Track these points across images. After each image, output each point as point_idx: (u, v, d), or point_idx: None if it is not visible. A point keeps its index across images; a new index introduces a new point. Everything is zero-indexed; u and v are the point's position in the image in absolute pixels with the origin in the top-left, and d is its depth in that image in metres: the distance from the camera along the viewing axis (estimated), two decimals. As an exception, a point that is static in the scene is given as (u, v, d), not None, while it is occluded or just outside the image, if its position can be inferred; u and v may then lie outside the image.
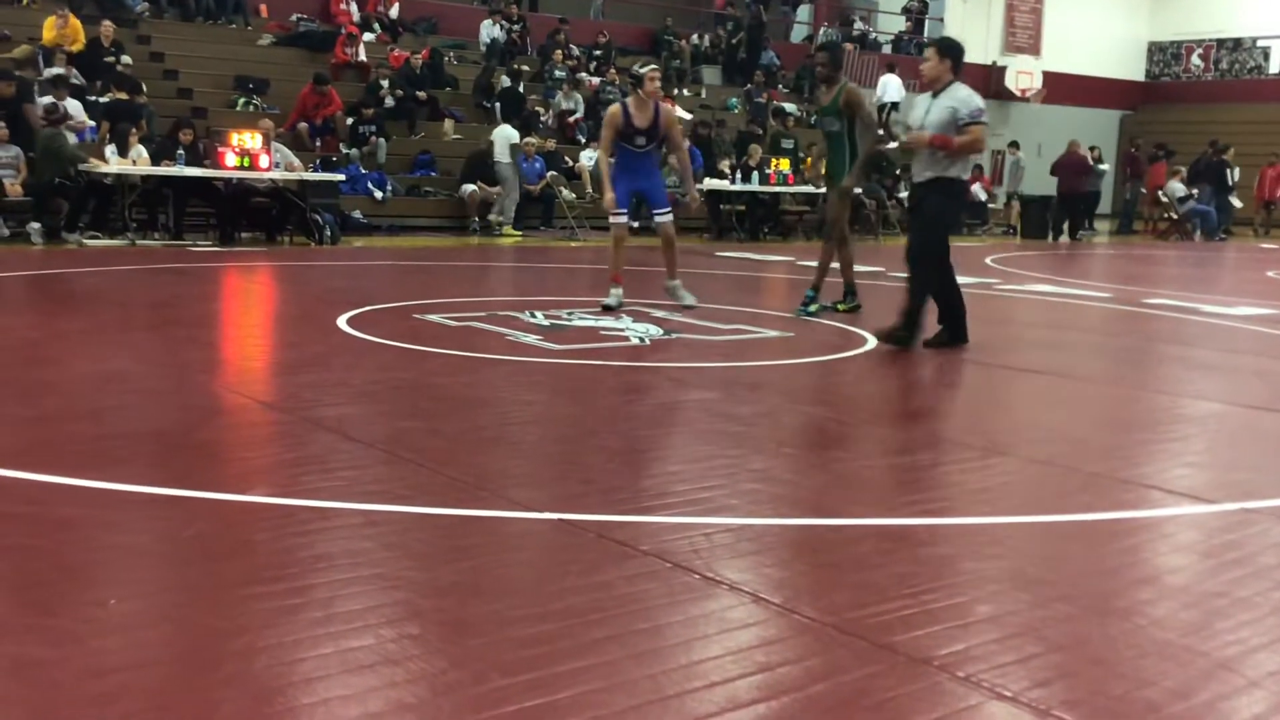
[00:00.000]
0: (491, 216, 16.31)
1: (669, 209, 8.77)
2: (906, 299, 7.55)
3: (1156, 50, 31.50)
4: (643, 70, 8.45)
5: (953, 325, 7.68)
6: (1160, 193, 23.36)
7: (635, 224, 12.64)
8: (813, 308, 8.83)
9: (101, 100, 14.77)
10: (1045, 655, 2.85)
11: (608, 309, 8.36)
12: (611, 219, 8.70)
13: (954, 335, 7.68)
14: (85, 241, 12.54)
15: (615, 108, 8.50)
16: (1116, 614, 3.15)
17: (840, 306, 9.06)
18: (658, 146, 8.62)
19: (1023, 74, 28.22)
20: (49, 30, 15.79)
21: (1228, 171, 23.48)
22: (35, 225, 12.56)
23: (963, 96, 7.35)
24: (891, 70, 23.82)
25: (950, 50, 7.60)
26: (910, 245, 7.75)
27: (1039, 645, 2.91)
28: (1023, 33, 29.03)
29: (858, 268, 9.50)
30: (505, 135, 16.54)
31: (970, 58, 29.10)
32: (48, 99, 13.49)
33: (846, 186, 8.78)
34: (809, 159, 17.98)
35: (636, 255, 13.88)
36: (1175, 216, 22.89)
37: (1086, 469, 4.70)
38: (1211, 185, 23.16)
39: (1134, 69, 31.32)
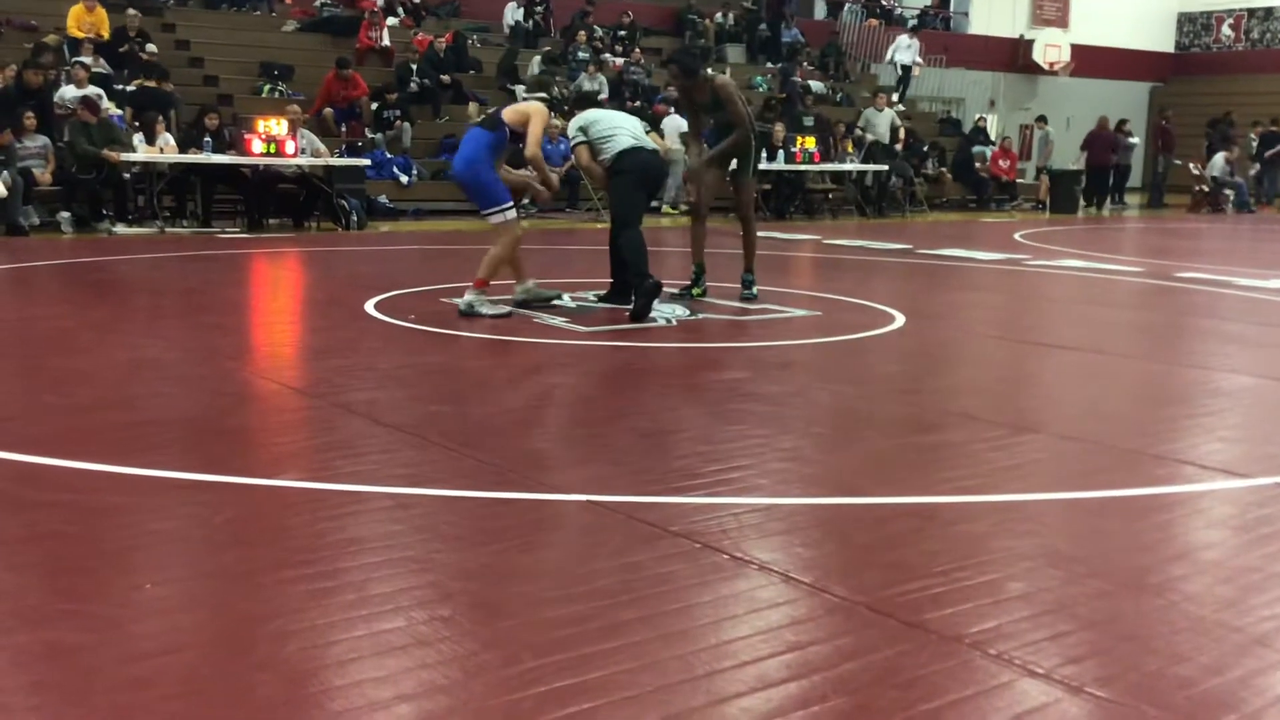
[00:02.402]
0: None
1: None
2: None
3: (1186, 21, 31.10)
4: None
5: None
6: (1191, 165, 23.13)
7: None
8: (696, 290, 8.36)
9: (128, 89, 14.84)
10: (1078, 632, 2.84)
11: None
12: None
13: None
14: (114, 229, 12.62)
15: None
16: (1150, 590, 3.14)
17: (695, 291, 8.34)
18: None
19: (1050, 47, 27.94)
20: (75, 19, 15.86)
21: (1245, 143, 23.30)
22: (65, 215, 12.66)
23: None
24: (911, 33, 23.68)
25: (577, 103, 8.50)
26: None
27: (1071, 622, 2.90)
28: (1050, 6, 28.73)
29: (885, 245, 9.43)
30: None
31: (997, 31, 28.87)
32: (88, 90, 13.60)
33: (695, 168, 8.46)
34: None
35: (661, 238, 13.87)
36: (1207, 189, 22.64)
37: (1119, 445, 4.67)
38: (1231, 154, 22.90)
39: (1164, 40, 30.95)
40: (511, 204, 7.38)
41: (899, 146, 19.88)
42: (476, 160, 7.27)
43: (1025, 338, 7.45)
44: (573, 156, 7.65)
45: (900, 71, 23.55)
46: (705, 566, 3.21)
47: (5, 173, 11.85)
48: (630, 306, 7.38)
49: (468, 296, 7.32)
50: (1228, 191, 22.49)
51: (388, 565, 3.17)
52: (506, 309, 7.42)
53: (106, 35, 15.96)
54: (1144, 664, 2.68)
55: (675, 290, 8.30)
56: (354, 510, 3.64)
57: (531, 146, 7.27)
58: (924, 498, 3.92)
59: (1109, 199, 22.81)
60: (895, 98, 22.04)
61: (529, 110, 7.35)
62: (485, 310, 7.26)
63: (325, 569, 3.12)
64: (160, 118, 13.61)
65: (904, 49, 23.63)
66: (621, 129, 7.88)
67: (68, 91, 13.90)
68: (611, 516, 3.62)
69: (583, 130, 7.82)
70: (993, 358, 6.95)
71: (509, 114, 7.38)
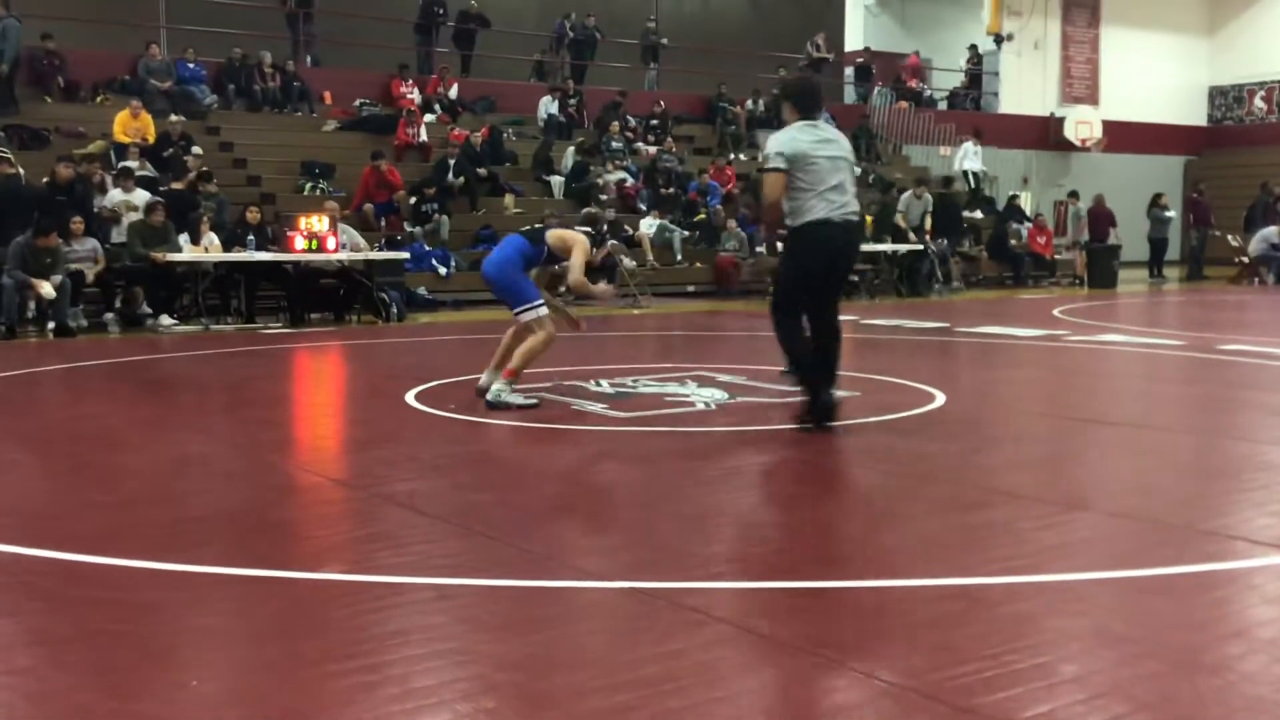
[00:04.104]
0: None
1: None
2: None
3: (1218, 94, 31.17)
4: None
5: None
6: (1230, 237, 23.03)
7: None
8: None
9: (174, 187, 15.18)
10: (1133, 714, 2.78)
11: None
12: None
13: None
14: (162, 327, 12.82)
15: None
16: (1205, 669, 3.07)
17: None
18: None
19: (1082, 124, 28.05)
20: (120, 125, 16.31)
21: None
22: (110, 315, 12.91)
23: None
24: (976, 139, 23.81)
25: (785, 91, 6.95)
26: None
27: (1126, 704, 2.83)
28: (1080, 83, 28.91)
29: (923, 323, 9.40)
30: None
31: (1028, 109, 28.99)
32: (135, 195, 14.02)
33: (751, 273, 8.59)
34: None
35: (699, 321, 13.93)
36: (1247, 260, 22.50)
37: (1168, 521, 4.60)
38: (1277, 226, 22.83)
39: (1195, 114, 31.00)
40: (541, 302, 7.45)
41: (928, 235, 19.99)
42: (506, 263, 7.40)
43: (1068, 414, 7.38)
44: (763, 185, 6.43)
45: (972, 181, 23.68)
46: (750, 653, 3.17)
47: (56, 275, 12.11)
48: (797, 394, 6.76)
49: (496, 386, 7.36)
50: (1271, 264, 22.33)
51: (431, 657, 3.15)
52: (535, 399, 7.44)
53: (152, 139, 16.39)
54: (1203, 746, 2.61)
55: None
56: (396, 602, 3.64)
57: (575, 274, 7.39)
58: (971, 579, 3.87)
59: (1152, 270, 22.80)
60: (965, 203, 22.32)
61: (574, 241, 7.45)
62: (513, 400, 7.31)
63: (369, 662, 3.11)
64: (205, 218, 13.91)
65: (971, 156, 23.78)
66: (827, 184, 6.38)
67: (115, 195, 14.25)
68: (654, 603, 3.59)
69: (785, 158, 6.34)
70: (1036, 435, 6.89)
71: (553, 237, 7.49)
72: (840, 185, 6.35)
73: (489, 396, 7.36)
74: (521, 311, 7.39)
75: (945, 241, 20.08)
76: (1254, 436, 6.67)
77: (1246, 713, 2.79)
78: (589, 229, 7.93)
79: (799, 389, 6.64)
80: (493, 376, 7.57)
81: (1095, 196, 22.74)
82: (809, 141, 6.34)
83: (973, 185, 23.60)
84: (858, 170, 6.62)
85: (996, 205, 23.87)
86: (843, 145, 6.57)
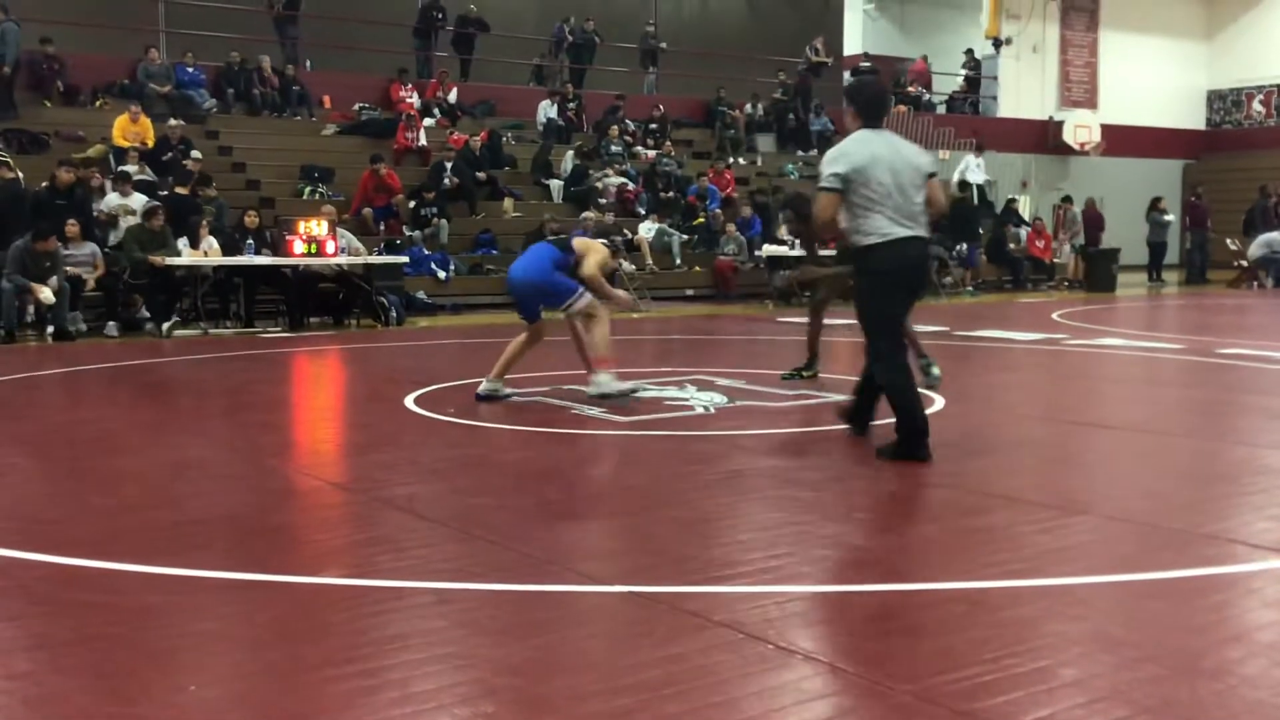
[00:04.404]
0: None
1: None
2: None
3: (1216, 98, 31.19)
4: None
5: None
6: (1229, 241, 23.07)
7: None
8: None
9: (177, 192, 15.17)
10: (1133, 718, 2.78)
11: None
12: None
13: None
14: (165, 330, 12.78)
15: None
16: (1205, 674, 3.07)
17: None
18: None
19: (1080, 128, 28.06)
20: (120, 129, 16.32)
21: None
22: (112, 324, 12.88)
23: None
24: (978, 151, 23.74)
25: (848, 96, 6.34)
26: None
27: (1126, 708, 2.83)
28: (1078, 87, 28.93)
29: (922, 327, 9.42)
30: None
31: (1027, 113, 28.96)
32: (132, 199, 14.00)
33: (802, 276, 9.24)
34: None
35: (698, 325, 13.93)
36: (1246, 264, 22.51)
37: (1168, 525, 4.60)
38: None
39: (1194, 118, 31.02)
40: (583, 289, 7.56)
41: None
42: (539, 269, 7.55)
43: (1067, 418, 7.38)
44: (816, 203, 5.94)
45: (975, 195, 23.67)
46: (750, 657, 3.17)
47: (54, 279, 12.11)
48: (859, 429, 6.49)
49: (600, 377, 7.50)
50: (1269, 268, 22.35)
51: (431, 661, 3.15)
52: (633, 384, 7.67)
53: (151, 144, 16.39)
54: (1204, 750, 2.61)
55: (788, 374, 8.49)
56: (396, 606, 3.63)
57: (589, 268, 7.55)
58: (971, 583, 3.87)
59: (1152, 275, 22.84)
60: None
61: (592, 248, 7.71)
62: (616, 388, 7.48)
63: (368, 666, 3.11)
64: (202, 223, 13.90)
65: (973, 169, 23.74)
66: (894, 199, 5.76)
67: (112, 199, 14.25)
68: (654, 607, 3.59)
69: (841, 178, 5.74)
70: (1035, 439, 6.89)
71: (578, 243, 7.75)
72: (907, 198, 5.74)
73: (590, 391, 7.52)
74: (570, 304, 7.54)
75: (965, 246, 20.11)
76: (1253, 440, 6.67)
77: (1247, 717, 2.79)
78: (605, 240, 8.29)
79: (902, 451, 5.82)
80: (494, 384, 7.61)
81: (1086, 200, 22.76)
82: (870, 154, 5.73)
83: (975, 200, 23.52)
84: (934, 171, 5.98)
85: (995, 209, 23.88)
86: (909, 152, 5.94)
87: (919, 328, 9.02)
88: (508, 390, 7.76)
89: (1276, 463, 5.92)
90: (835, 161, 5.77)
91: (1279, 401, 8.10)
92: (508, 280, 7.93)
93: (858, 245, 5.81)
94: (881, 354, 5.93)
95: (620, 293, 8.01)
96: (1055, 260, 22.46)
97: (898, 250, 5.71)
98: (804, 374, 8.56)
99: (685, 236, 19.16)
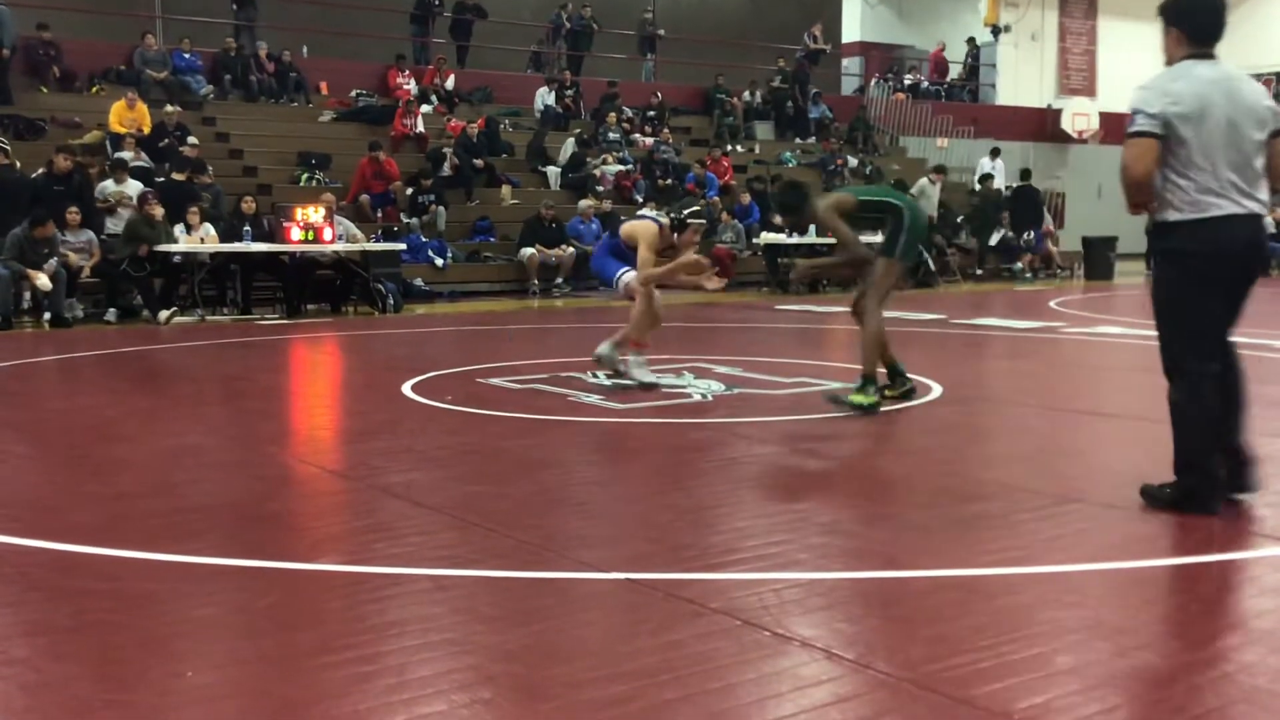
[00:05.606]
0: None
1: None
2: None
3: (1214, 85, 31.21)
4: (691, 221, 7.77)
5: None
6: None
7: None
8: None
9: (174, 178, 15.13)
10: (1129, 705, 2.79)
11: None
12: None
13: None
14: (161, 319, 12.75)
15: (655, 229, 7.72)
16: (1201, 661, 3.07)
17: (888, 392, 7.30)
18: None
19: (1079, 115, 28.04)
20: (116, 115, 16.28)
21: None
22: (112, 310, 12.85)
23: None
24: (993, 155, 23.61)
25: (1163, 10, 4.54)
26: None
27: (1122, 695, 2.84)
28: (1077, 75, 28.90)
29: (920, 315, 9.41)
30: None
31: (1025, 101, 28.92)
32: (127, 185, 13.96)
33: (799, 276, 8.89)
34: None
35: (696, 313, 13.92)
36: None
37: (1163, 513, 4.60)
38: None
39: (1192, 105, 31.03)
40: (627, 268, 7.70)
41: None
42: (593, 257, 8.22)
43: (1064, 406, 7.39)
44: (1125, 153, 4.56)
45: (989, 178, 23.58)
46: (747, 644, 3.17)
47: (51, 263, 12.09)
48: None
49: (630, 358, 7.66)
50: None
51: (428, 648, 3.16)
52: (655, 379, 7.71)
53: (147, 130, 16.35)
54: (1199, 737, 2.62)
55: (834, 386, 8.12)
56: (393, 593, 3.64)
57: (642, 269, 7.56)
58: (967, 570, 3.87)
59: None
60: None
61: (637, 233, 7.68)
62: (637, 375, 7.63)
63: (365, 653, 3.11)
64: (194, 209, 13.86)
65: (997, 174, 23.66)
66: (1225, 159, 4.37)
67: (108, 185, 14.22)
68: (651, 594, 3.59)
69: (1158, 120, 4.36)
70: (1032, 427, 6.90)
71: (623, 231, 7.88)
72: (1245, 159, 4.32)
73: (607, 368, 7.78)
74: (617, 281, 7.75)
75: (1031, 234, 20.16)
76: (1250, 428, 6.66)
77: (1244, 704, 2.79)
78: (671, 214, 7.83)
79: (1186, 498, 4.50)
80: (637, 362, 7.77)
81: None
82: (1198, 90, 4.29)
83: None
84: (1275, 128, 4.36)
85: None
86: (1251, 93, 4.44)
87: (913, 316, 9.03)
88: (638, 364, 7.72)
89: (1273, 450, 5.92)
90: (1147, 98, 4.35)
91: (1275, 390, 8.10)
92: None
93: (1164, 220, 4.44)
94: (1183, 370, 4.52)
95: (681, 264, 7.62)
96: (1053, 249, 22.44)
97: (1226, 232, 4.32)
98: (888, 392, 7.19)
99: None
